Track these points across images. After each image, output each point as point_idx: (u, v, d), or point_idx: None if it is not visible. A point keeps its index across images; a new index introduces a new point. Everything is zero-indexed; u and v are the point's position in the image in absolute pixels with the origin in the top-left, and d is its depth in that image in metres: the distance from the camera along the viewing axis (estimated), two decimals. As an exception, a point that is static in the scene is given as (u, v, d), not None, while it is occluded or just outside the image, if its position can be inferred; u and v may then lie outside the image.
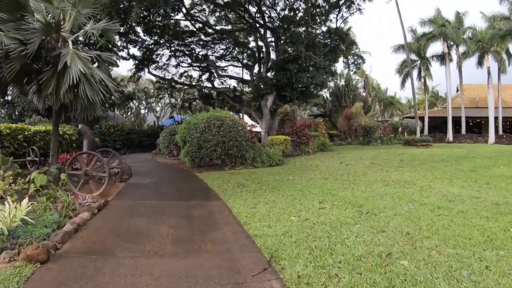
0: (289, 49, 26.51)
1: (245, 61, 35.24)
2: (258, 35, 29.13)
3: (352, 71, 34.29)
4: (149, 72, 32.16)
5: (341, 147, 30.62)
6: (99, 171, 10.21)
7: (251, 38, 33.45)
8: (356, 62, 32.90)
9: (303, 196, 9.48)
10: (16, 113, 31.41)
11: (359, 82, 43.91)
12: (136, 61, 31.08)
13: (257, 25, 28.61)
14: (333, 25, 29.94)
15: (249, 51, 34.07)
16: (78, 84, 10.98)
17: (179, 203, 9.02)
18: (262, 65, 28.87)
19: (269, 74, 27.60)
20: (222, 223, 7.03)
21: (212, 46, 34.83)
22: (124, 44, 31.44)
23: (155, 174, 15.13)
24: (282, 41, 27.89)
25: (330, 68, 27.91)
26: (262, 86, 25.66)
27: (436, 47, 41.09)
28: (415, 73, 39.66)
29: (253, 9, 28.55)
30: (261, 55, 30.15)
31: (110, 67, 35.07)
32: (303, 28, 27.98)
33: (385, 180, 12.01)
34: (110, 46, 32.35)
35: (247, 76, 35.93)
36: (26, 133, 17.32)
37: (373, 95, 45.59)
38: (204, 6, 30.84)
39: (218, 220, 7.29)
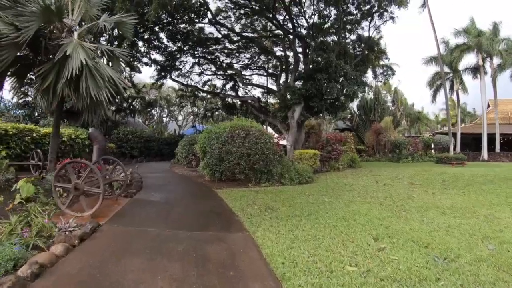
0: (319, 58, 24.21)
1: (270, 70, 33.15)
2: (286, 42, 27.01)
3: (381, 82, 31.69)
4: (171, 78, 30.26)
5: (370, 164, 28.06)
6: (93, 184, 7.99)
7: (277, 48, 31.39)
8: (385, 73, 30.34)
9: (350, 228, 7.34)
10: (36, 114, 29.70)
11: (387, 96, 41.17)
12: (159, 66, 29.26)
13: (286, 32, 26.47)
14: (364, 34, 27.80)
15: (275, 60, 32.00)
16: (79, 79, 8.91)
17: (191, 234, 6.69)
18: (289, 74, 26.67)
19: (296, 84, 25.32)
20: (249, 276, 4.77)
21: (237, 54, 32.94)
22: (147, 50, 29.77)
23: (168, 188, 12.89)
24: (311, 49, 25.70)
25: (361, 78, 25.52)
26: (289, 96, 23.48)
27: (468, 59, 38.03)
28: (447, 86, 36.81)
29: (280, 17, 26.44)
30: (288, 64, 27.97)
31: (132, 73, 33.71)
32: (331, 38, 25.75)
33: (438, 207, 10.02)
34: (133, 51, 30.99)
35: (272, 86, 33.93)
36: (34, 135, 15.57)
37: (402, 110, 42.75)
38: (230, 13, 28.95)
39: (243, 269, 5.01)
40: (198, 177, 16.01)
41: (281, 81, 28.90)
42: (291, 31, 25.73)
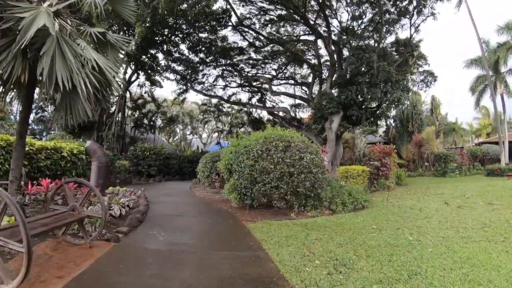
0: (358, 60, 20.21)
1: (300, 81, 29.29)
2: (318, 46, 23.16)
3: (421, 89, 27.30)
4: (193, 89, 26.64)
5: (414, 180, 23.68)
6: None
7: (308, 55, 27.53)
8: (426, 80, 26.01)
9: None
10: (53, 129, 26.39)
11: (424, 105, 36.42)
12: (179, 76, 25.82)
13: (317, 34, 22.63)
14: (401, 36, 23.96)
15: (305, 69, 28.23)
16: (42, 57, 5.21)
17: None
18: (324, 81, 22.74)
19: (333, 91, 21.31)
20: None
21: (263, 66, 29.44)
22: (167, 63, 26.45)
23: (181, 222, 8.92)
24: (349, 51, 21.81)
25: (404, 82, 21.39)
26: (326, 104, 19.45)
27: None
28: (488, 91, 32.02)
29: (309, 18, 22.67)
30: (322, 71, 24.09)
31: (153, 87, 30.46)
32: (365, 42, 21.81)
33: None
34: (153, 64, 27.84)
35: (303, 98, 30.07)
36: (28, 149, 11.87)
37: (440, 120, 37.94)
38: (254, 20, 25.42)
39: None
40: (223, 203, 12.10)
41: (314, 90, 24.95)
42: (325, 32, 21.90)
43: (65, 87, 5.75)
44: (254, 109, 32.72)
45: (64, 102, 7.02)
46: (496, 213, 9.86)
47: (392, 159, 20.80)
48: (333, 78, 21.32)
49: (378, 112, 21.53)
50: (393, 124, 34.03)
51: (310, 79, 27.46)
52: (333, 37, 22.13)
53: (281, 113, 26.44)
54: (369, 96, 19.33)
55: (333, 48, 21.03)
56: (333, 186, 11.36)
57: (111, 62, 8.09)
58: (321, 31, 22.17)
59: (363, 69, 20.04)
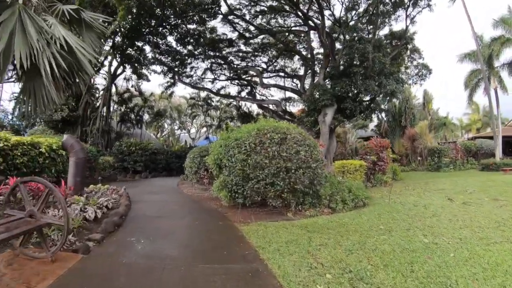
0: (353, 50, 19.22)
1: (292, 73, 28.20)
2: (316, 34, 22.10)
3: (415, 83, 26.38)
4: (181, 81, 25.40)
5: (408, 174, 22.83)
6: None
7: (301, 46, 26.48)
8: (420, 73, 25.11)
9: None
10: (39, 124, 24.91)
11: (415, 99, 35.47)
12: (165, 67, 24.57)
13: (309, 26, 21.59)
14: (395, 28, 23.08)
15: (297, 61, 27.15)
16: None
17: None
18: (317, 74, 21.66)
19: (327, 83, 20.30)
20: None
21: (253, 58, 28.26)
22: (155, 56, 25.18)
23: (165, 224, 7.80)
24: (341, 43, 20.84)
25: (399, 74, 20.51)
26: (319, 96, 18.46)
27: (505, 55, 31.91)
28: (482, 86, 31.32)
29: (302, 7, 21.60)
30: (314, 62, 23.04)
31: (140, 81, 29.08)
32: (359, 34, 20.84)
33: None
34: (140, 57, 26.56)
35: (292, 94, 28.95)
36: (3, 145, 10.76)
37: (432, 114, 37.14)
38: (245, 11, 24.29)
39: None
40: (212, 201, 11.02)
41: (305, 83, 23.90)
42: (318, 21, 20.85)
43: (26, 68, 4.74)
44: (243, 103, 31.63)
45: (27, 86, 5.97)
46: (505, 209, 9.10)
47: (388, 153, 19.98)
48: (327, 70, 20.27)
49: (372, 105, 20.62)
50: (385, 119, 33.21)
51: (301, 72, 26.45)
52: (326, 29, 21.11)
53: (271, 106, 25.39)
54: (363, 88, 18.35)
55: (326, 38, 19.96)
56: (331, 182, 10.38)
57: (87, 44, 7.01)
58: (314, 22, 21.11)
59: (357, 61, 19.06)
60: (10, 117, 26.16)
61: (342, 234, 6.75)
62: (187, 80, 28.73)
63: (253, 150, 8.45)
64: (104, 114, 23.29)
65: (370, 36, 20.15)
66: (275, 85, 25.88)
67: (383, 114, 32.79)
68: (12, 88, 45.42)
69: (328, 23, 22.02)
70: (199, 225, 7.73)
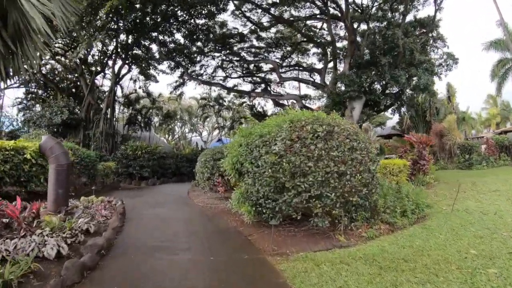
0: (378, 37, 16.54)
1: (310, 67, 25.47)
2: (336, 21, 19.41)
3: (441, 74, 23.40)
4: (190, 77, 22.81)
5: (442, 173, 19.90)
6: None
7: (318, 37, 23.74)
8: (446, 63, 22.16)
9: None
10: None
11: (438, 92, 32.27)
12: (173, 63, 22.12)
13: (327, 13, 18.90)
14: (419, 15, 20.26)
15: (314, 53, 24.43)
16: None
17: None
18: (343, 61, 18.87)
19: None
20: None
21: (266, 54, 25.56)
22: (163, 54, 22.78)
23: (164, 264, 5.10)
24: (365, 32, 18.15)
25: (431, 64, 17.70)
26: (345, 87, 15.78)
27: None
28: (510, 76, 28.22)
29: None
30: (336, 52, 20.26)
31: (147, 82, 26.61)
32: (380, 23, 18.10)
33: None
34: (147, 57, 24.21)
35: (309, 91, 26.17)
36: None
37: (455, 108, 33.84)
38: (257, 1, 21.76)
39: None
40: (229, 215, 8.37)
41: (327, 77, 21.16)
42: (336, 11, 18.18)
43: None
44: (257, 102, 28.96)
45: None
46: None
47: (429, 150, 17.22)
48: (351, 59, 17.56)
49: (403, 97, 17.89)
50: (408, 114, 30.18)
51: (319, 66, 23.77)
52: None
53: (290, 103, 22.69)
54: (391, 79, 15.69)
55: (351, 23, 17.27)
56: (386, 190, 7.69)
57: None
58: (337, 4, 18.39)
59: (383, 49, 16.37)
60: (14, 123, 24.10)
61: (432, 269, 4.24)
62: (197, 79, 26.30)
63: (288, 149, 5.81)
64: (109, 116, 20.81)
65: (401, 19, 17.40)
66: (295, 78, 23.04)
67: (404, 109, 29.77)
68: (15, 93, 43.85)
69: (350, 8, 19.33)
70: (214, 265, 5.04)
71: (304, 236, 6.21)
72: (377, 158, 6.83)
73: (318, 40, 21.63)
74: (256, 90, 27.36)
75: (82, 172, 13.55)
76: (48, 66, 24.61)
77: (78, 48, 16.94)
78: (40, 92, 23.79)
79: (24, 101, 23.46)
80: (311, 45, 24.81)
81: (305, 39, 22.51)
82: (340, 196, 5.66)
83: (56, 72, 23.78)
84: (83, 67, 22.03)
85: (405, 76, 15.82)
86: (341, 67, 19.31)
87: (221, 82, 26.85)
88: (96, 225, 6.46)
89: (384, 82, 16.56)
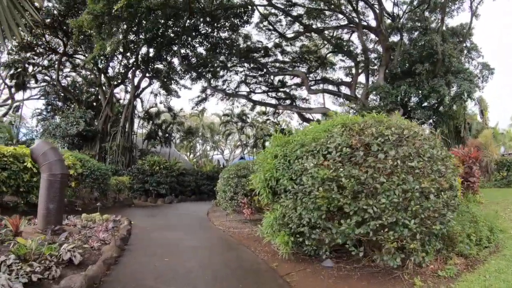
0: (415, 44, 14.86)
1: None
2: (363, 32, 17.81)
3: (477, 86, 21.30)
4: (212, 87, 21.35)
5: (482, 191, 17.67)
6: None
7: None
8: (482, 74, 20.11)
9: None
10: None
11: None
12: (194, 73, 20.96)
13: (356, 21, 17.32)
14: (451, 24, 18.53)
15: (340, 67, 22.82)
16: None
17: None
18: (378, 71, 17.18)
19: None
20: None
21: (290, 69, 24.05)
22: (184, 69, 21.73)
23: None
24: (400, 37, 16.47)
25: (469, 73, 15.86)
26: (380, 100, 14.15)
27: None
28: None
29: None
30: (368, 61, 18.54)
31: (169, 97, 25.36)
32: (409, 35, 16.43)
33: None
34: (169, 71, 23.14)
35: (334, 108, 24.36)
36: None
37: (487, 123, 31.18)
38: (281, 16, 20.56)
39: None
40: (257, 244, 6.63)
41: (358, 89, 19.43)
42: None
43: None
44: (281, 119, 27.31)
45: None
46: None
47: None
48: (387, 69, 15.86)
49: (440, 109, 16.06)
50: (439, 130, 27.92)
51: (346, 79, 22.09)
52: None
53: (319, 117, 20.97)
54: (430, 89, 13.99)
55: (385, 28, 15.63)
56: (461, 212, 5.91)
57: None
58: (371, 7, 16.83)
59: (423, 54, 14.67)
60: (33, 134, 23.22)
61: None
62: (219, 95, 25.00)
63: (347, 159, 4.09)
64: (127, 129, 19.50)
65: (440, 24, 15.71)
66: (324, 90, 21.12)
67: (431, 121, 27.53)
68: (36, 104, 43.83)
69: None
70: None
71: (363, 277, 4.47)
72: (458, 170, 5.06)
73: (349, 49, 19.86)
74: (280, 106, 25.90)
75: (91, 186, 12.10)
76: (69, 79, 23.92)
77: (93, 51, 15.80)
78: (60, 104, 22.90)
79: (44, 112, 22.54)
80: (338, 59, 23.29)
81: (334, 50, 20.84)
82: (421, 224, 3.88)
83: (77, 85, 22.88)
84: (103, 78, 20.99)
85: (444, 83, 14.12)
86: (372, 79, 17.62)
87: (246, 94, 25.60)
88: (85, 253, 4.86)
89: (421, 93, 14.81)
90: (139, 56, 21.12)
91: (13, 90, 23.39)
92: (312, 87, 22.09)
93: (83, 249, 5.00)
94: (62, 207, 6.78)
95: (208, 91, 24.56)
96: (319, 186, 4.13)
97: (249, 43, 22.00)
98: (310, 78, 24.31)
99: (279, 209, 4.97)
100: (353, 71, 21.65)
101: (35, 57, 21.98)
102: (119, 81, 21.88)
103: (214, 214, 11.65)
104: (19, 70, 21.19)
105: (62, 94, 22.17)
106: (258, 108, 28.10)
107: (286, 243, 4.94)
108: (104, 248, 5.29)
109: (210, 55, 21.41)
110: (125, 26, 17.31)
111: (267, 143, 28.64)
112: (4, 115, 25.30)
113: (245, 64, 23.45)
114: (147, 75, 22.60)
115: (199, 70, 21.12)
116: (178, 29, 19.56)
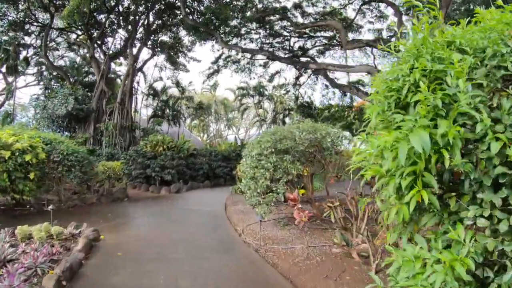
0: None
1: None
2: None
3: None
4: (224, 43, 17.05)
5: None
6: None
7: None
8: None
9: None
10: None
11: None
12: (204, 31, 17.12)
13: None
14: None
15: (368, 29, 18.76)
16: None
17: None
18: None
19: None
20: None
21: (312, 34, 20.06)
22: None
23: None
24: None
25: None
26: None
27: None
28: None
29: None
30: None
31: (176, 72, 20.84)
32: None
33: None
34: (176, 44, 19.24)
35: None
36: None
37: None
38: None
39: None
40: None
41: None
42: None
43: None
44: (303, 91, 23.03)
45: None
46: None
47: None
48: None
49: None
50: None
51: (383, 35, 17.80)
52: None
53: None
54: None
55: None
56: None
57: None
58: None
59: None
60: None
61: None
62: (233, 66, 20.99)
63: None
64: (126, 106, 15.65)
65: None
66: (367, 43, 16.26)
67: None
68: (34, 91, 40.59)
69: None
70: None
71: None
72: None
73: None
74: (301, 78, 21.84)
75: (67, 176, 8.38)
76: (67, 59, 20.12)
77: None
78: (56, 86, 19.21)
79: (42, 97, 18.82)
80: (366, 20, 18.90)
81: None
82: None
83: (75, 66, 18.93)
84: (96, 47, 16.98)
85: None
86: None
87: (261, 68, 21.61)
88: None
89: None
90: (138, 27, 17.37)
91: (8, 77, 19.64)
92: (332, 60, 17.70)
93: None
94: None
95: (221, 62, 20.48)
96: None
97: (265, 1, 17.79)
98: (334, 42, 20.12)
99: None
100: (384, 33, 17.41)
101: (26, 37, 18.05)
102: (115, 52, 17.88)
103: (234, 208, 7.84)
104: (9, 53, 17.30)
105: (53, 73, 18.29)
106: (276, 82, 23.95)
107: None
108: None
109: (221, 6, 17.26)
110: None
111: (287, 119, 24.68)
112: (2, 104, 21.56)
113: (260, 31, 19.34)
114: (149, 44, 18.70)
115: (209, 26, 16.82)
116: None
